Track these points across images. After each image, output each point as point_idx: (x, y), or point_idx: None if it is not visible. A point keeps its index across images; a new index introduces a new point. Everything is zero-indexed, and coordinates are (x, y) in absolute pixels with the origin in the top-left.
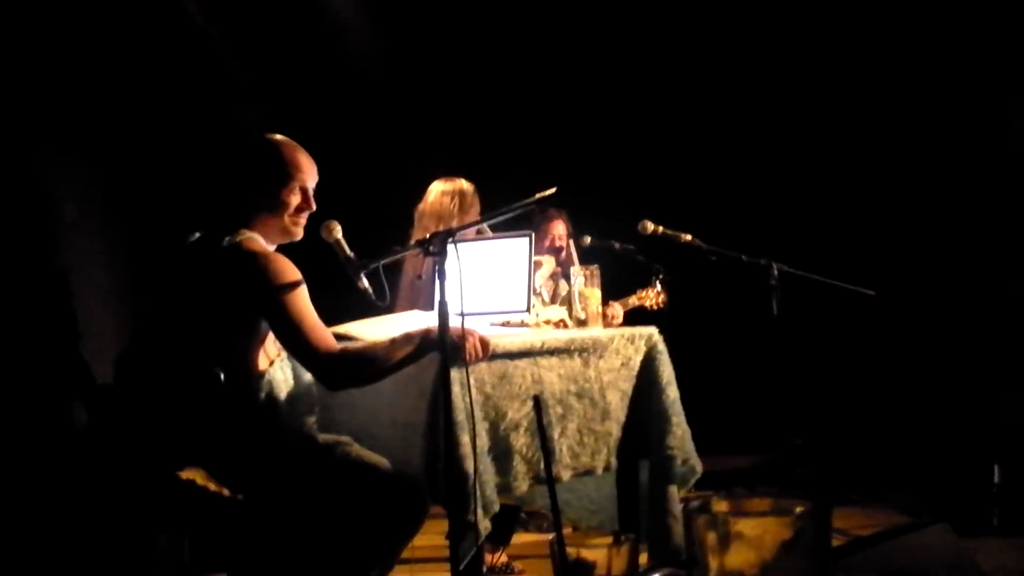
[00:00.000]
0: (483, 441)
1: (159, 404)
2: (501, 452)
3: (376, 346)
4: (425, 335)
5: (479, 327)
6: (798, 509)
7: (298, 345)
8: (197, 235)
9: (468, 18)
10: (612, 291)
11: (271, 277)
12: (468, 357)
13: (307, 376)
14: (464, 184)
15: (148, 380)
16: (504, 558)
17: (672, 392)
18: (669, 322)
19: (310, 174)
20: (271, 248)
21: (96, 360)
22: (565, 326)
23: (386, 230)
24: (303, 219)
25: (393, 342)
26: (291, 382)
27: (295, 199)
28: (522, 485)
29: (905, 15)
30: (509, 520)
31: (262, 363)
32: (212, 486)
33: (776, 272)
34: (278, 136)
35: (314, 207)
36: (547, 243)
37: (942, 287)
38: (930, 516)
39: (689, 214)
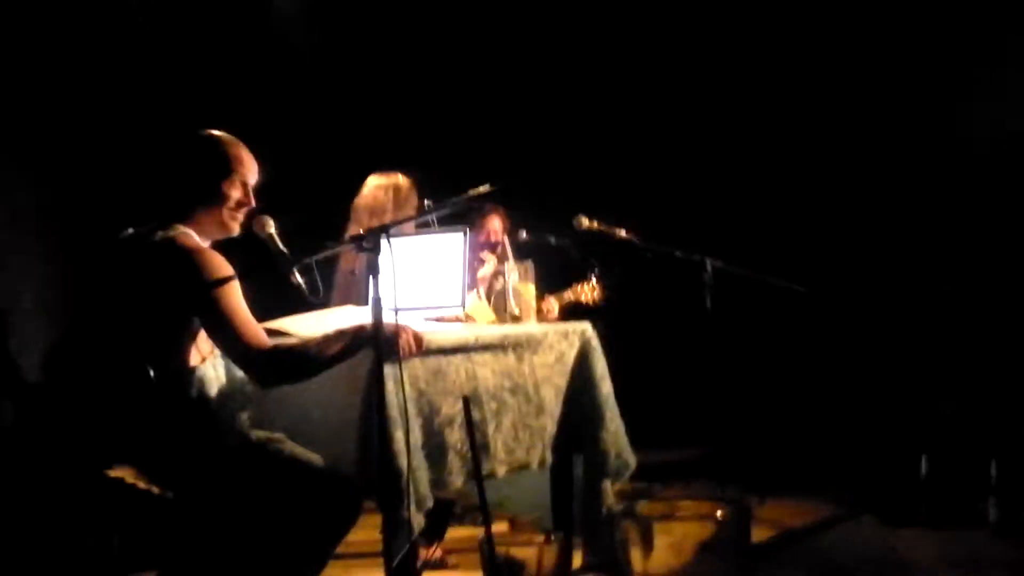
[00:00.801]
0: (417, 437)
1: (87, 400)
2: (435, 448)
3: (308, 343)
4: (358, 331)
5: (413, 323)
6: (719, 513)
7: (229, 342)
8: (131, 231)
9: (407, 13)
10: (548, 286)
11: (202, 273)
12: (402, 353)
13: (240, 373)
14: (400, 178)
15: (77, 376)
16: (439, 552)
17: (605, 387)
18: (605, 317)
19: (251, 170)
20: (205, 243)
21: (26, 355)
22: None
23: (320, 225)
24: (241, 214)
25: (326, 338)
26: (223, 379)
27: (236, 193)
28: (456, 480)
29: (845, 17)
30: (444, 514)
31: (193, 359)
32: (141, 484)
33: (710, 268)
34: (219, 132)
35: (253, 203)
36: (483, 238)
37: (875, 284)
38: (856, 508)
39: (625, 209)
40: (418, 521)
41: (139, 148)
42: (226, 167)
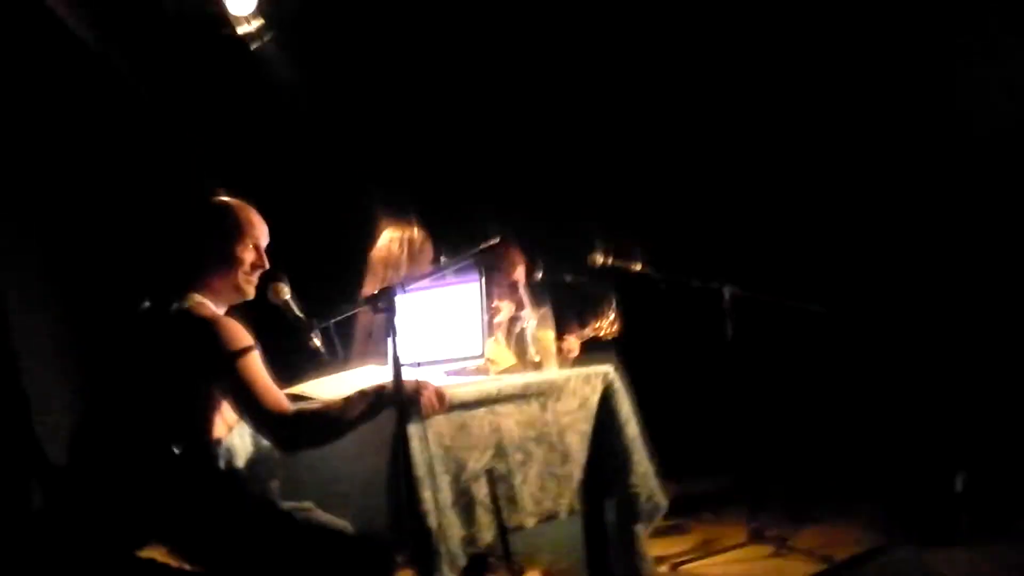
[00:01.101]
0: (445, 495)
1: (114, 480)
2: (464, 504)
3: (330, 406)
4: (379, 391)
5: (434, 377)
6: None
7: (250, 410)
8: (147, 304)
9: (400, 61)
10: (565, 322)
11: (220, 342)
12: (424, 411)
13: (265, 443)
14: (414, 231)
15: (102, 457)
16: None
17: (632, 429)
18: (625, 350)
19: (262, 232)
20: (221, 310)
21: (52, 438)
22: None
23: (335, 280)
24: (256, 277)
25: (348, 400)
26: (250, 448)
27: (249, 256)
28: (487, 536)
29: (867, 45)
30: (479, 568)
31: (219, 430)
32: (173, 562)
33: (728, 295)
34: (227, 197)
35: (267, 265)
36: (505, 282)
37: (900, 301)
38: (896, 532)
39: (638, 242)
40: None
41: (148, 218)
42: (237, 230)
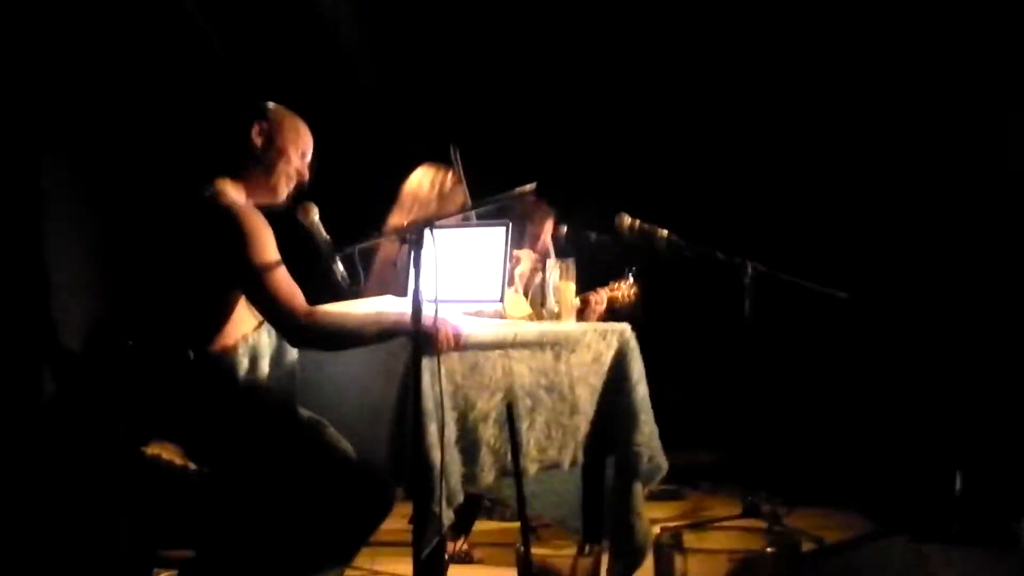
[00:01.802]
0: (451, 431)
1: (127, 375)
2: (469, 443)
3: (348, 316)
4: (399, 319)
5: (452, 315)
6: (769, 550)
7: (263, 299)
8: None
9: (451, 10)
10: (587, 284)
11: (239, 228)
12: (440, 348)
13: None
14: (448, 174)
15: (117, 349)
16: (465, 546)
17: (642, 389)
18: (641, 317)
19: (307, 142)
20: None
21: (70, 327)
22: (534, 319)
23: (362, 214)
24: (293, 183)
25: (366, 316)
26: (275, 346)
27: (294, 158)
28: (488, 477)
29: (890, 22)
30: (472, 508)
31: (245, 325)
32: (178, 460)
33: (751, 271)
34: (278, 107)
35: (307, 175)
36: (537, 245)
37: (915, 293)
38: (891, 523)
39: (667, 209)
40: (448, 516)
41: (187, 111)
42: (285, 132)
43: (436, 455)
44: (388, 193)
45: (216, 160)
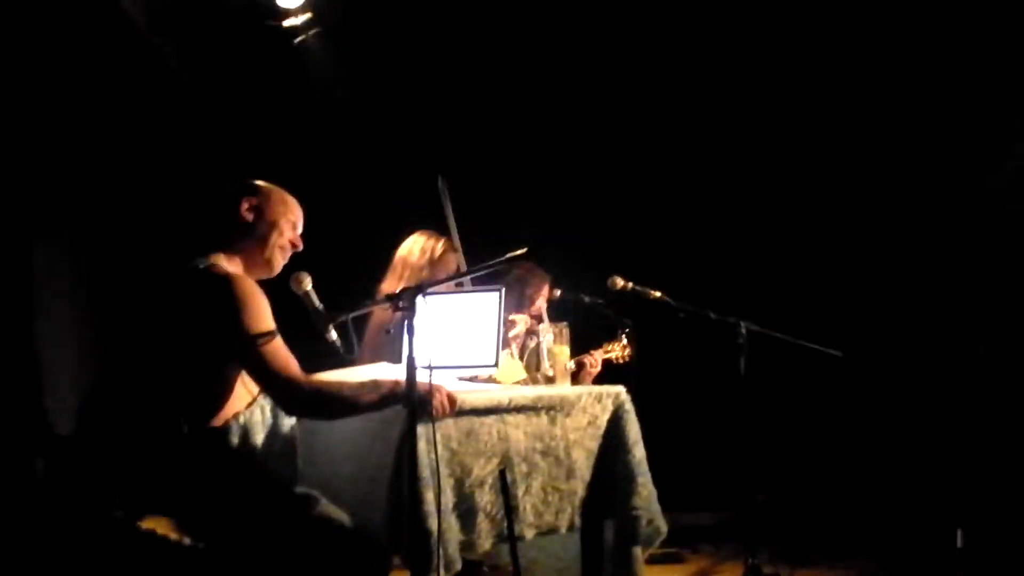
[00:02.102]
0: (448, 498)
1: (120, 451)
2: (465, 509)
3: (344, 384)
4: (394, 386)
5: (446, 382)
6: None
7: (259, 369)
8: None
9: (440, 70)
10: (580, 345)
11: (235, 298)
12: (435, 413)
13: (287, 420)
14: (439, 242)
15: (110, 425)
16: None
17: (638, 452)
18: (637, 377)
19: (298, 213)
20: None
21: (61, 411)
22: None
23: (355, 281)
24: (287, 255)
25: (361, 385)
26: (270, 422)
27: (287, 231)
28: (485, 543)
29: (869, 70)
30: (471, 574)
31: (239, 402)
32: (174, 536)
33: (744, 330)
34: (265, 183)
35: (301, 246)
36: (533, 312)
37: (909, 349)
38: None
39: (658, 270)
40: None
41: (181, 190)
42: (276, 205)
43: (433, 522)
44: (381, 259)
45: (208, 236)
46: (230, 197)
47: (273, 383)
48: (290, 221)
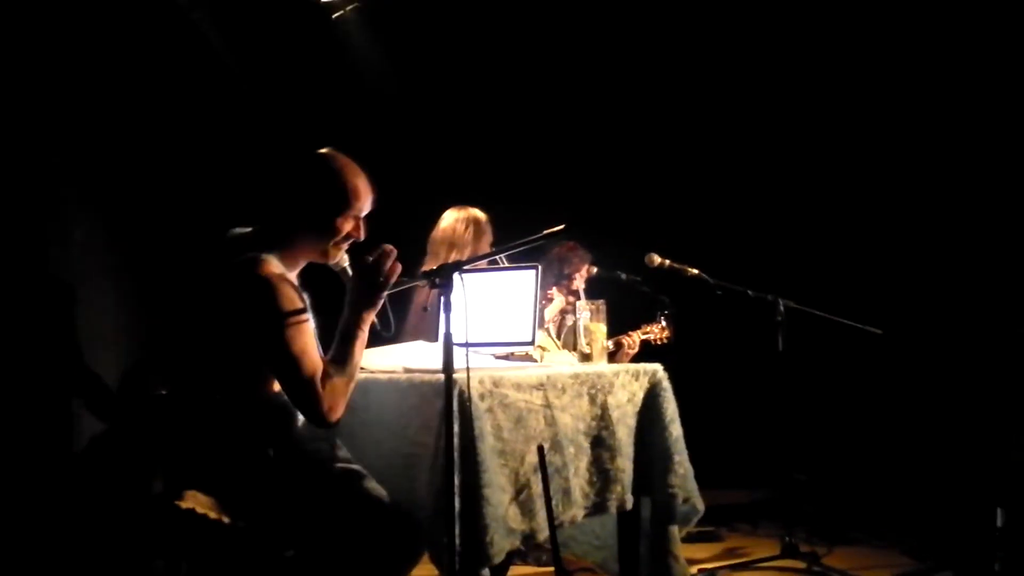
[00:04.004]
0: (506, 488)
1: (162, 427)
2: (524, 498)
3: (347, 373)
4: (349, 317)
5: (483, 360)
6: None
7: (286, 377)
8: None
9: (481, 52)
10: (617, 323)
11: (269, 304)
12: (387, 279)
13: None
14: (478, 212)
15: (152, 401)
16: None
17: (675, 430)
18: (674, 355)
19: (367, 202)
20: (293, 271)
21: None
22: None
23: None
24: (346, 246)
25: (353, 356)
26: None
27: (347, 227)
28: (546, 528)
29: (907, 45)
30: (508, 553)
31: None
32: (212, 514)
33: (783, 308)
34: (340, 156)
35: (363, 236)
36: (573, 286)
37: (950, 327)
38: (933, 560)
39: (696, 248)
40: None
41: (255, 165)
42: (343, 201)
43: (495, 512)
44: (418, 237)
45: (269, 227)
46: (298, 188)
47: (295, 396)
48: (350, 217)
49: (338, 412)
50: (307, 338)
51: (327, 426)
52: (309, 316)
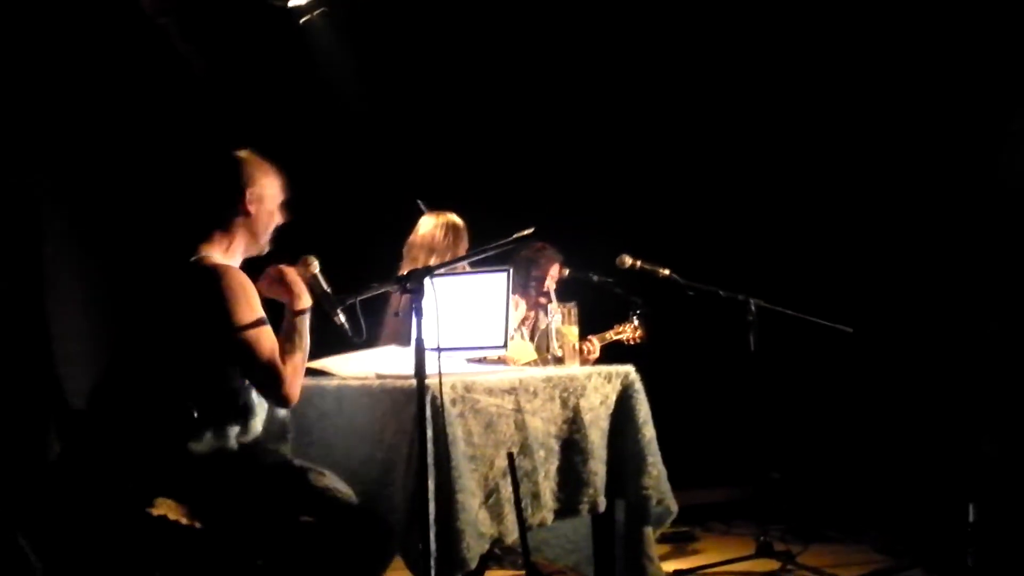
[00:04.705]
0: (476, 493)
1: (130, 435)
2: (493, 502)
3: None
4: (291, 310)
5: (456, 364)
6: None
7: (245, 359)
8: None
9: (449, 56)
10: (589, 325)
11: (220, 290)
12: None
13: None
14: (456, 218)
15: (120, 410)
16: None
17: (648, 431)
18: (647, 356)
19: (275, 183)
20: (235, 262)
21: (71, 382)
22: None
23: (362, 264)
24: (271, 229)
25: (302, 343)
26: (267, 405)
27: (264, 205)
28: (515, 532)
29: (882, 50)
30: (483, 556)
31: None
32: (184, 520)
33: (754, 308)
34: (242, 151)
35: (283, 218)
36: (544, 287)
37: (920, 325)
38: (905, 556)
39: (667, 249)
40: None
41: (176, 169)
42: (248, 179)
43: (465, 519)
44: (389, 242)
45: (207, 219)
46: (229, 188)
47: (256, 376)
48: (261, 195)
49: (298, 389)
50: (261, 317)
51: (288, 404)
52: (255, 298)
